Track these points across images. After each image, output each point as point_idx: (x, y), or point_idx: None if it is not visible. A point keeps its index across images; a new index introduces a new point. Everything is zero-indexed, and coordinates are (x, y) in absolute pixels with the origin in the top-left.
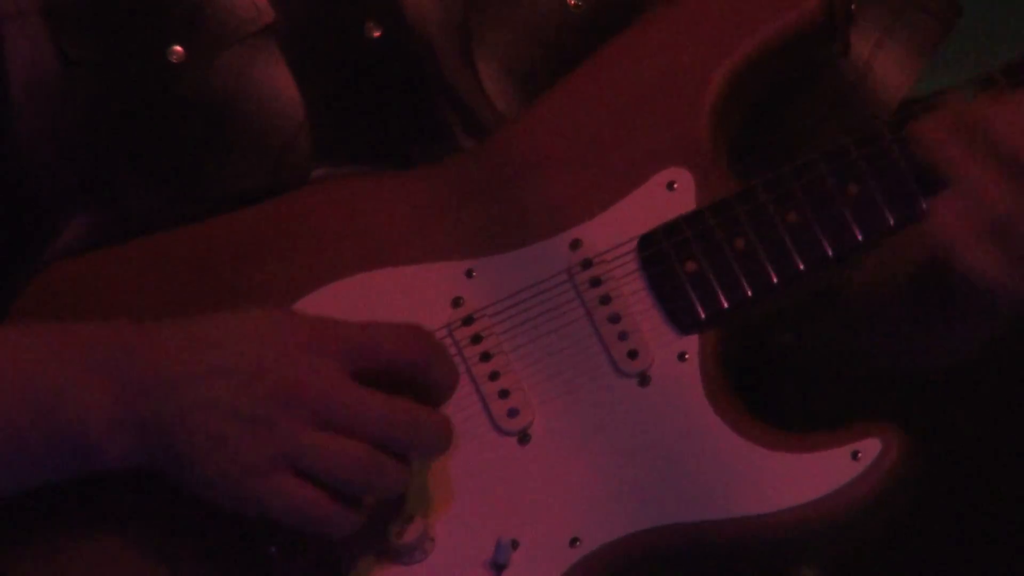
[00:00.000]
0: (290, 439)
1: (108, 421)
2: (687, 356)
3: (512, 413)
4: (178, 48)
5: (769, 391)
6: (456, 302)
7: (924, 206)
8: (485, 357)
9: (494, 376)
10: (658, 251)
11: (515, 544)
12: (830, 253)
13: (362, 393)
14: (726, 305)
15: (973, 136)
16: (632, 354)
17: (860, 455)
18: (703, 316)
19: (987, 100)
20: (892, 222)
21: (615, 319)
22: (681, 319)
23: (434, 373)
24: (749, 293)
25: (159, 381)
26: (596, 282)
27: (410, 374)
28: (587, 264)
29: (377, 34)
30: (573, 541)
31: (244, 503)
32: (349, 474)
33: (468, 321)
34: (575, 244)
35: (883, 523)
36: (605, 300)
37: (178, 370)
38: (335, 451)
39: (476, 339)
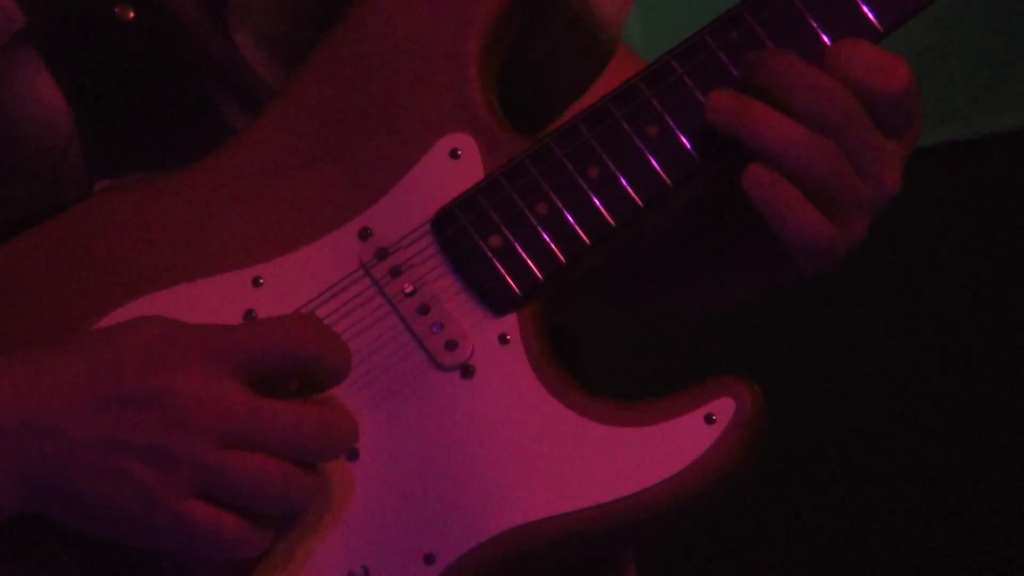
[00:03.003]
0: (193, 465)
1: None
2: (509, 338)
3: None
4: None
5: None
6: (248, 316)
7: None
8: None
9: None
10: (457, 229)
11: (367, 572)
12: (640, 203)
13: (263, 404)
14: (541, 277)
15: (767, 98)
16: (450, 345)
17: (715, 417)
18: (519, 293)
19: (763, 56)
20: (698, 159)
21: (424, 310)
22: (496, 299)
23: (327, 361)
24: (563, 260)
25: (39, 421)
26: (396, 272)
27: (304, 368)
28: (382, 254)
29: (131, 16)
30: (428, 558)
31: (153, 538)
32: (262, 492)
33: None
34: (364, 233)
35: (741, 485)
36: (409, 292)
37: (59, 404)
38: (243, 471)
39: None
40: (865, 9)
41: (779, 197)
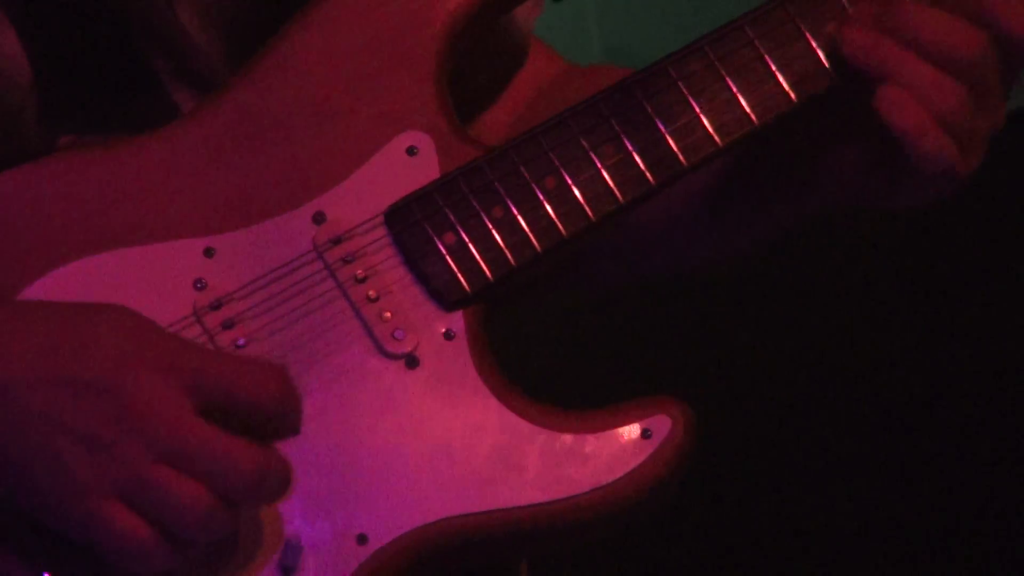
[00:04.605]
0: (128, 469)
1: None
2: (454, 334)
3: None
4: None
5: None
6: (198, 284)
7: (683, 161)
8: (240, 345)
9: None
10: (412, 223)
11: (301, 545)
12: (592, 217)
13: (210, 433)
14: (491, 278)
15: (903, 38)
16: (397, 335)
17: (651, 433)
18: (469, 291)
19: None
20: (653, 182)
21: (374, 299)
22: (445, 295)
23: (282, 422)
24: (514, 263)
25: None
26: (348, 259)
27: (256, 416)
28: (336, 240)
29: None
30: (361, 538)
31: (68, 524)
32: (183, 517)
33: (216, 306)
34: (319, 217)
35: (668, 498)
36: (360, 278)
37: (16, 369)
38: (173, 492)
39: (228, 324)
40: None
41: (914, 118)
